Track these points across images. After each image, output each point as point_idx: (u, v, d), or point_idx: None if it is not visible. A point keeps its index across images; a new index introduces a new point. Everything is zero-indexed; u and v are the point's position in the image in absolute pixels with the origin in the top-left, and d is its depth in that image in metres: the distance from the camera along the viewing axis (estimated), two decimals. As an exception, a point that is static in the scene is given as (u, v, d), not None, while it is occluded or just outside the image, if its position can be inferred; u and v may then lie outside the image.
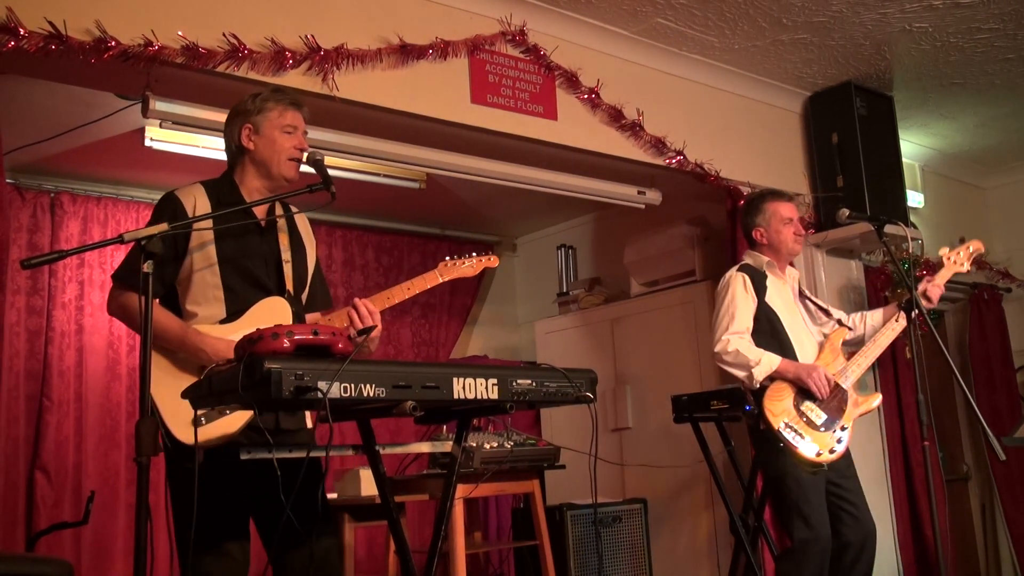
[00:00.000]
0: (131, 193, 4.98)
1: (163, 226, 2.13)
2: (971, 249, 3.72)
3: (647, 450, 5.15)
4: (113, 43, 2.81)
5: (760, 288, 3.46)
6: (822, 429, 3.27)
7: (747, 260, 3.60)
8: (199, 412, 2.11)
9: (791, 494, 3.26)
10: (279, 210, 2.58)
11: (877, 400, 3.41)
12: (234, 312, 2.41)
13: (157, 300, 2.38)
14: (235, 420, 2.24)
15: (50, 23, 2.71)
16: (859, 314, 3.72)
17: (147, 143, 4.00)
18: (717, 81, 4.69)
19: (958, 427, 5.98)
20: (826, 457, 3.23)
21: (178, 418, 2.24)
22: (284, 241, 2.55)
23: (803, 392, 3.30)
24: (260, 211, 2.53)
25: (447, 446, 2.61)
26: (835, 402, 3.31)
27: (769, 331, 3.41)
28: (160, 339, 2.32)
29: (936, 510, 3.15)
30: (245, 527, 2.41)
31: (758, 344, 3.38)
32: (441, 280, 2.66)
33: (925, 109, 5.30)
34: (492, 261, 2.82)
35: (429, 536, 2.45)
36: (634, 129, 4.21)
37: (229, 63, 3.05)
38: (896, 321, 3.53)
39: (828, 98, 4.92)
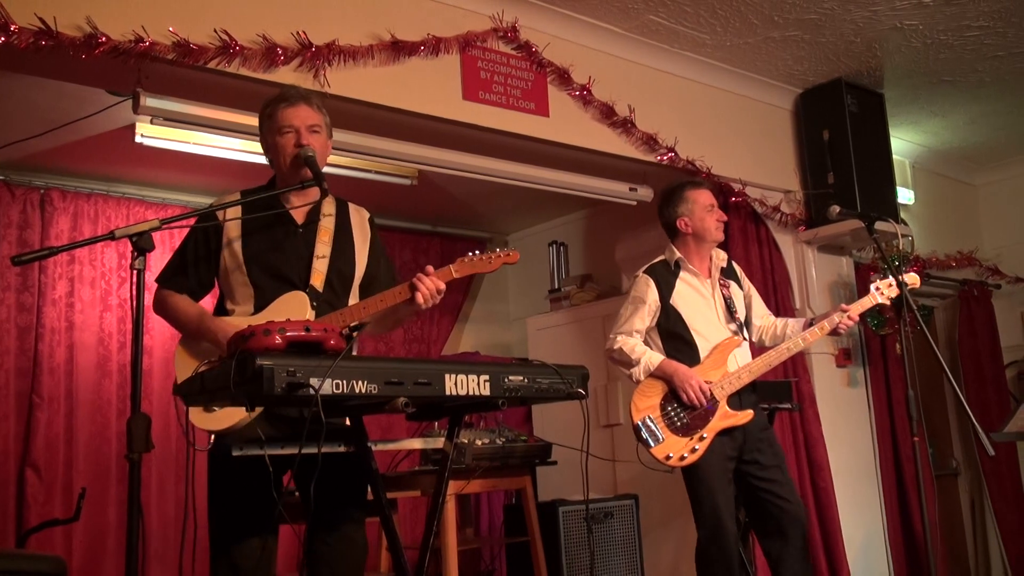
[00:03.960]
0: (121, 190, 4.96)
1: (154, 222, 2.14)
2: (891, 283, 3.46)
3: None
4: (104, 39, 2.81)
5: (667, 288, 3.45)
6: (680, 434, 3.29)
7: (662, 257, 3.55)
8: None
9: (695, 487, 3.33)
10: (327, 208, 2.59)
11: (747, 417, 3.31)
12: (261, 307, 2.47)
13: (186, 295, 2.53)
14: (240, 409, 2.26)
15: (40, 19, 2.70)
16: (783, 322, 3.59)
17: (138, 139, 3.98)
18: (709, 78, 4.70)
19: (948, 423, 6.02)
20: (675, 462, 3.26)
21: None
22: (324, 238, 2.56)
23: (675, 394, 3.32)
24: (300, 214, 2.57)
25: (439, 442, 2.61)
26: (702, 410, 3.30)
27: (674, 332, 3.43)
28: (182, 325, 2.51)
29: (925, 505, 3.17)
30: (271, 520, 2.39)
31: (665, 344, 3.44)
32: (454, 276, 2.54)
33: (915, 106, 5.32)
34: (512, 257, 2.65)
35: (421, 532, 2.46)
36: (626, 126, 4.22)
37: (220, 59, 3.05)
38: (807, 336, 3.40)
39: (819, 95, 4.95)
